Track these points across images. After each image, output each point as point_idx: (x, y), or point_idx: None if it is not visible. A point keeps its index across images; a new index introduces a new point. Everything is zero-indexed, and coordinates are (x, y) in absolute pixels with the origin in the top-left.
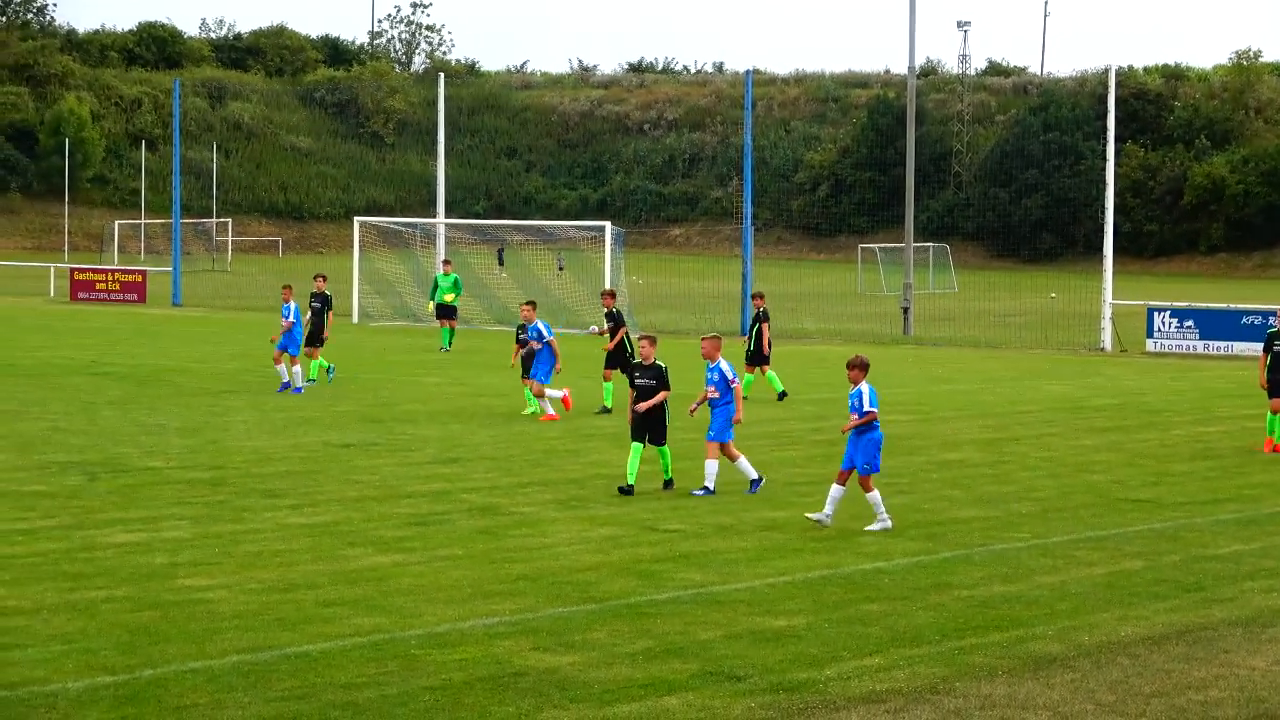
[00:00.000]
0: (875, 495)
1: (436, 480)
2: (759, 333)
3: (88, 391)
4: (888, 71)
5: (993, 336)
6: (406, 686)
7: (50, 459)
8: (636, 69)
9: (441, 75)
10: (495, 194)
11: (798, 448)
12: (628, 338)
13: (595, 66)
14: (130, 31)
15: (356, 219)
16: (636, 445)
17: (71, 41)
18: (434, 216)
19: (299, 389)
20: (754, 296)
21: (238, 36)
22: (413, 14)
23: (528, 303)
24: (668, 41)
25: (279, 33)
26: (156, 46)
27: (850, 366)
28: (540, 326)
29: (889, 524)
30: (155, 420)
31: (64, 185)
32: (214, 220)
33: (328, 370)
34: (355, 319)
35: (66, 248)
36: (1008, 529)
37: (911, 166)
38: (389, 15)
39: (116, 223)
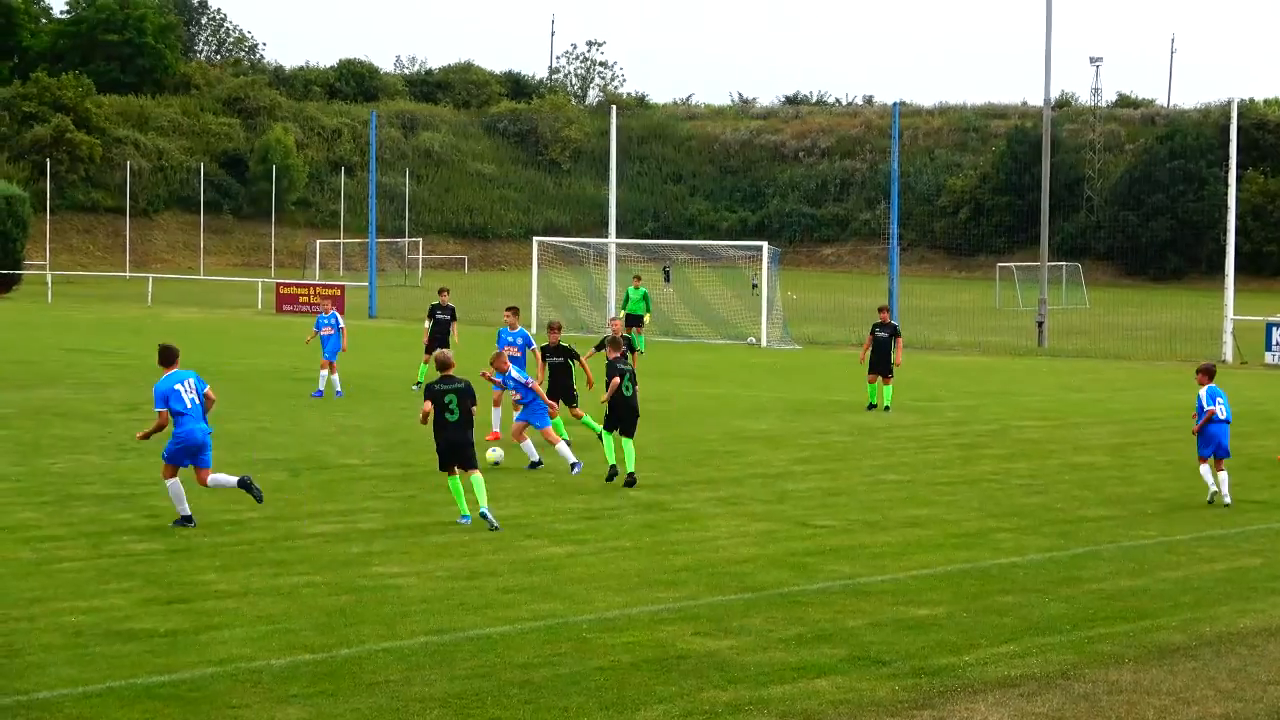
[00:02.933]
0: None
1: (606, 477)
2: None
3: (291, 395)
4: (1025, 103)
5: (1121, 349)
6: (579, 667)
7: (257, 456)
8: (792, 101)
9: (614, 107)
10: (662, 216)
11: (939, 450)
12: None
13: (754, 99)
14: (331, 68)
15: (535, 239)
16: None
17: (279, 77)
18: (606, 236)
19: (333, 393)
20: (880, 310)
21: (429, 72)
22: (588, 51)
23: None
24: (821, 76)
25: (466, 69)
26: (355, 81)
27: (1198, 372)
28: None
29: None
30: (352, 421)
31: (271, 208)
32: (406, 240)
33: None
34: (534, 329)
35: (273, 264)
36: (1134, 527)
37: (1046, 191)
38: (566, 52)
39: (318, 242)
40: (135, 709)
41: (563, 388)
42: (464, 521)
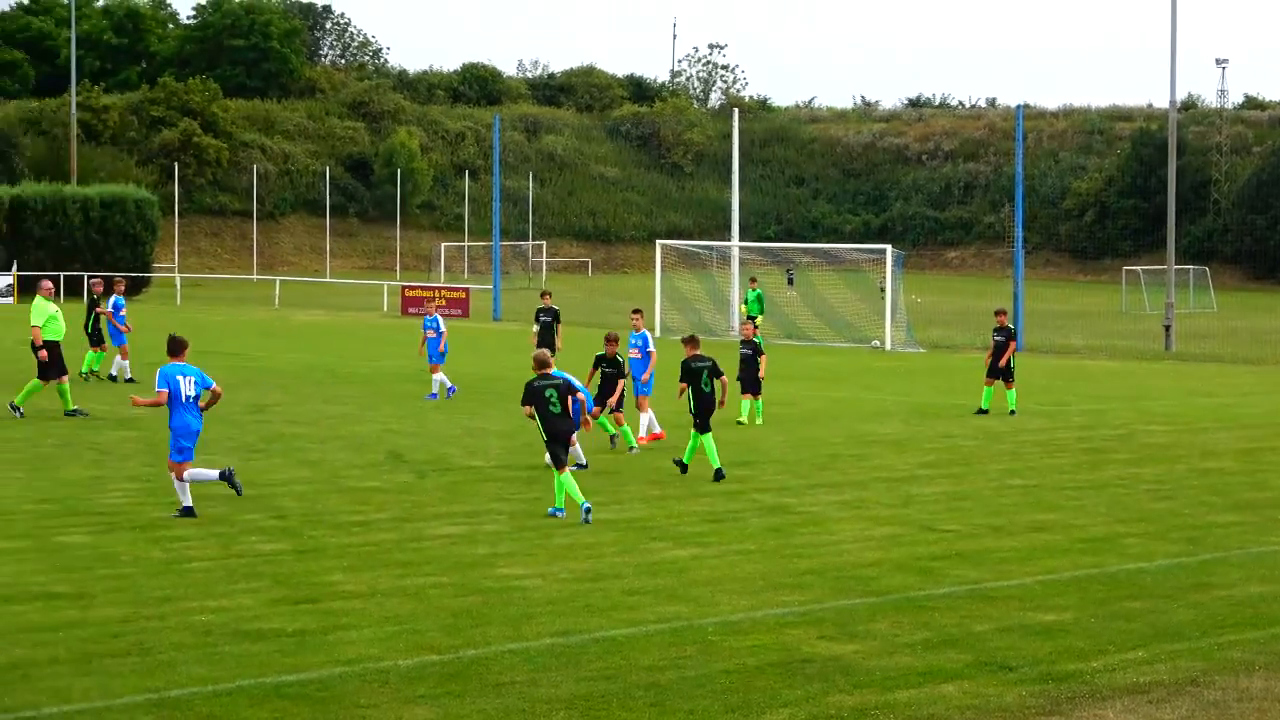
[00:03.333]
0: None
1: (731, 481)
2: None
3: (417, 397)
4: (1150, 106)
5: (1249, 353)
6: (704, 670)
7: (384, 458)
8: (915, 104)
9: (736, 111)
10: (785, 219)
11: (1066, 455)
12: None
13: (877, 102)
14: (455, 72)
15: (658, 241)
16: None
17: (403, 81)
18: (729, 240)
19: (433, 396)
20: (997, 314)
21: (552, 76)
22: (710, 55)
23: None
24: (944, 78)
25: (589, 72)
26: (479, 85)
27: None
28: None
29: None
30: (477, 423)
31: (396, 211)
32: (530, 243)
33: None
34: (658, 333)
35: (398, 267)
36: (1264, 533)
37: (1173, 194)
38: (688, 56)
39: (442, 245)
40: (264, 708)
41: (606, 394)
42: (556, 514)
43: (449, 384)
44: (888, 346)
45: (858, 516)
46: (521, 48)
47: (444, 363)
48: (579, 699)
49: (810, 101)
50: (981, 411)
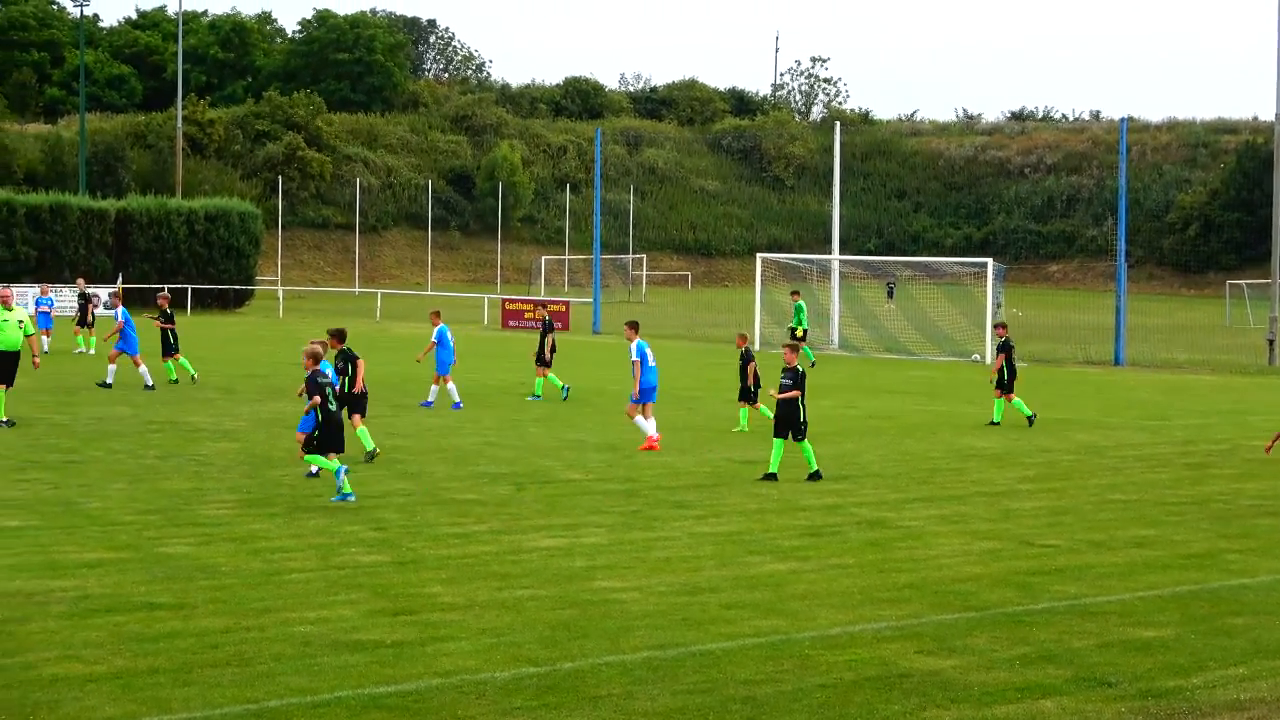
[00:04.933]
0: None
1: (829, 495)
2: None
3: (516, 410)
4: (1256, 119)
5: None
6: (801, 684)
7: (483, 470)
8: (1018, 117)
9: (838, 124)
10: (886, 232)
11: (1168, 470)
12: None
13: (980, 115)
14: (557, 86)
15: (759, 255)
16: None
17: (505, 95)
18: (830, 253)
19: (458, 404)
20: (996, 327)
21: (653, 89)
22: (812, 67)
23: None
24: (1047, 91)
25: (690, 85)
26: (580, 99)
27: None
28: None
29: None
30: (576, 436)
31: (497, 224)
32: (630, 256)
33: (561, 389)
34: (757, 347)
35: (499, 280)
36: None
37: (1278, 207)
38: (790, 69)
39: (543, 258)
40: (362, 719)
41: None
42: (347, 500)
43: (455, 396)
44: (988, 360)
45: (957, 531)
46: (623, 61)
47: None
48: (675, 712)
49: (912, 115)
50: (994, 424)
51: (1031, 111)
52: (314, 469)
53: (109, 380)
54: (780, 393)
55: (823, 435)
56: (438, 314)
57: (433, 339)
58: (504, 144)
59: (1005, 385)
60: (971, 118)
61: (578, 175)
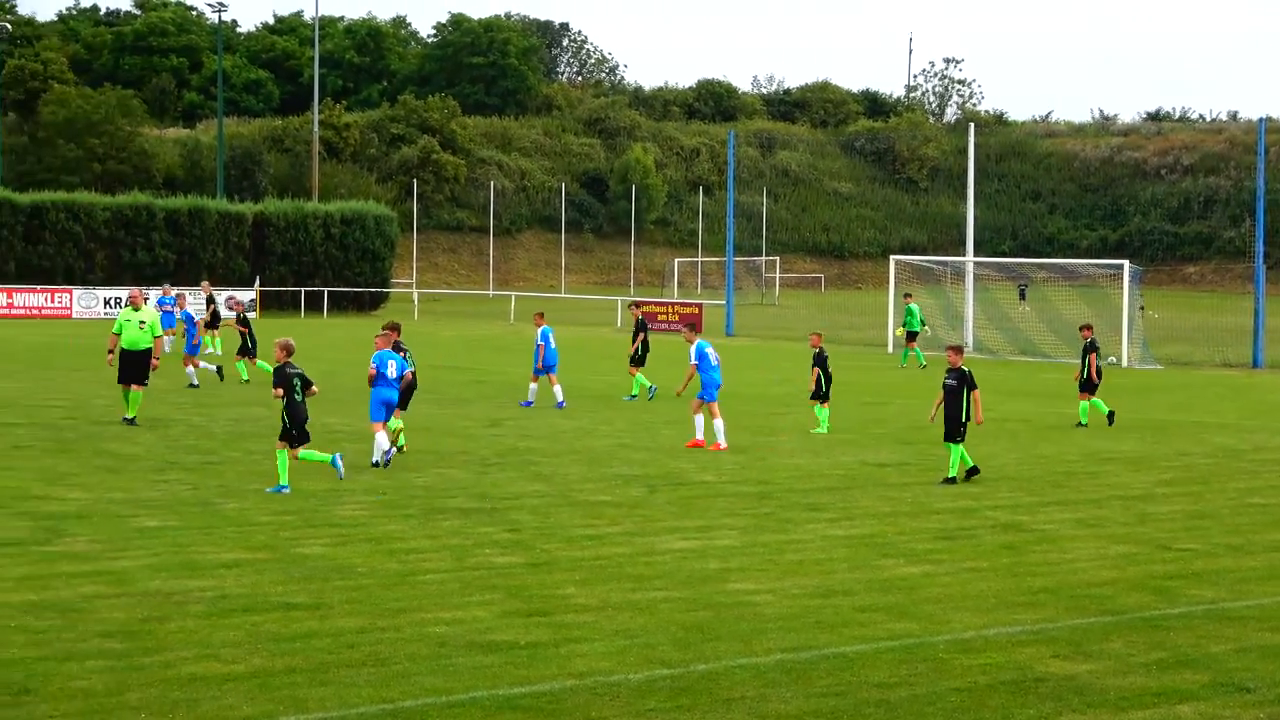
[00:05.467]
0: None
1: (964, 498)
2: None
3: (648, 412)
4: None
5: None
6: (935, 687)
7: (616, 472)
8: (1154, 117)
9: (972, 125)
10: (1020, 234)
11: None
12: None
13: (1115, 116)
14: (690, 88)
15: (892, 257)
16: (951, 446)
17: (638, 98)
18: (964, 255)
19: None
20: (1082, 329)
21: (786, 92)
22: (946, 69)
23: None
24: (1184, 92)
25: (823, 88)
26: (713, 101)
27: None
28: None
29: None
30: (709, 438)
31: (630, 226)
32: (763, 258)
33: (648, 389)
34: (890, 349)
35: (632, 282)
36: None
37: None
38: (924, 70)
39: (676, 260)
40: (498, 719)
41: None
42: (281, 490)
43: (559, 395)
44: (1124, 362)
45: (1093, 535)
46: (757, 64)
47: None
48: (808, 715)
49: (1047, 116)
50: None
51: (1168, 112)
52: (377, 459)
53: (195, 381)
54: (944, 393)
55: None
56: (541, 315)
57: (538, 340)
58: (637, 147)
59: (1088, 386)
60: (1107, 118)
61: (711, 178)
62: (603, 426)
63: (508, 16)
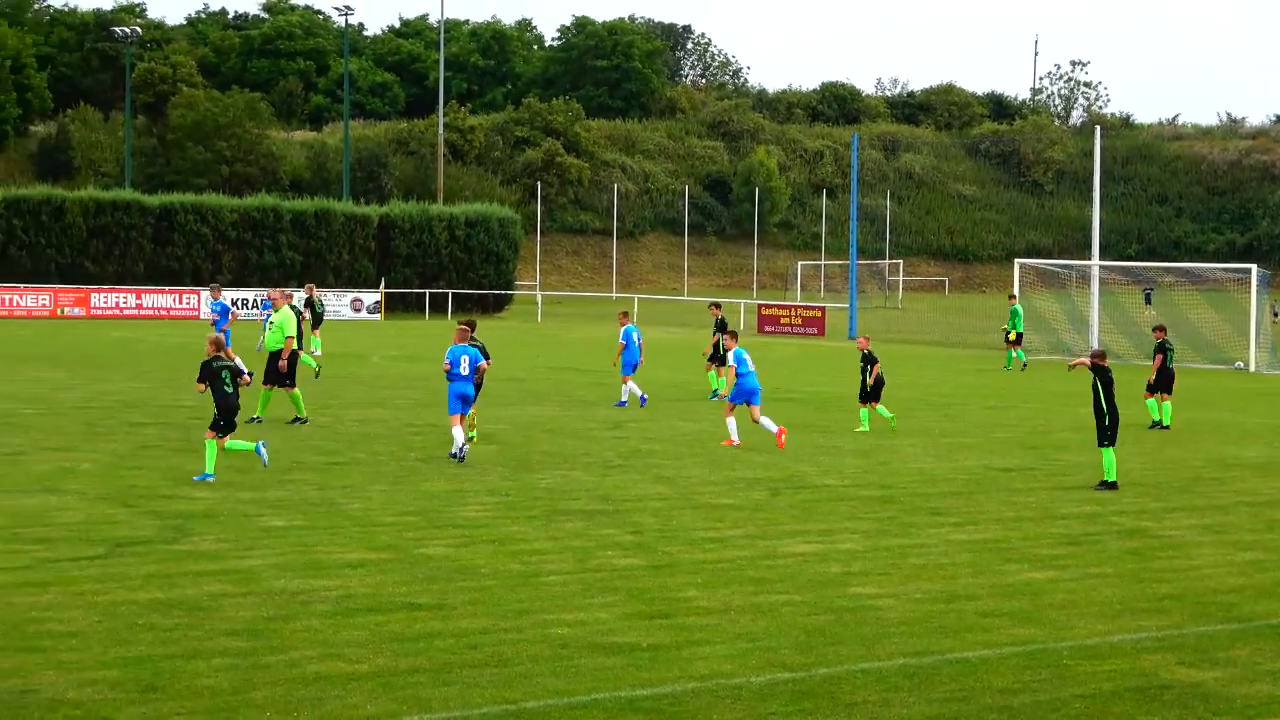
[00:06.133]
0: None
1: (1089, 504)
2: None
3: (772, 415)
4: None
5: None
6: (1058, 694)
7: (738, 475)
8: None
9: (1098, 128)
10: (1146, 237)
11: None
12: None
13: (1244, 118)
14: (813, 91)
15: (1016, 260)
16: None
17: (762, 100)
18: (1089, 258)
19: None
20: (1155, 330)
21: (910, 94)
22: (1072, 71)
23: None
24: None
25: (948, 90)
26: (837, 104)
27: None
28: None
29: None
30: (831, 442)
31: (753, 229)
32: (886, 261)
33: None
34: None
35: (754, 285)
36: None
37: None
38: (1050, 73)
39: (799, 263)
40: None
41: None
42: (206, 479)
43: (639, 392)
44: (1252, 368)
45: (1219, 541)
46: (881, 66)
47: (634, 373)
48: (931, 719)
49: (1174, 119)
50: (1156, 425)
51: None
52: (454, 451)
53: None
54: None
55: (1083, 443)
56: (625, 315)
57: (620, 340)
58: (760, 149)
59: (1156, 386)
60: (1235, 121)
61: (834, 180)
62: (724, 429)
63: (631, 20)
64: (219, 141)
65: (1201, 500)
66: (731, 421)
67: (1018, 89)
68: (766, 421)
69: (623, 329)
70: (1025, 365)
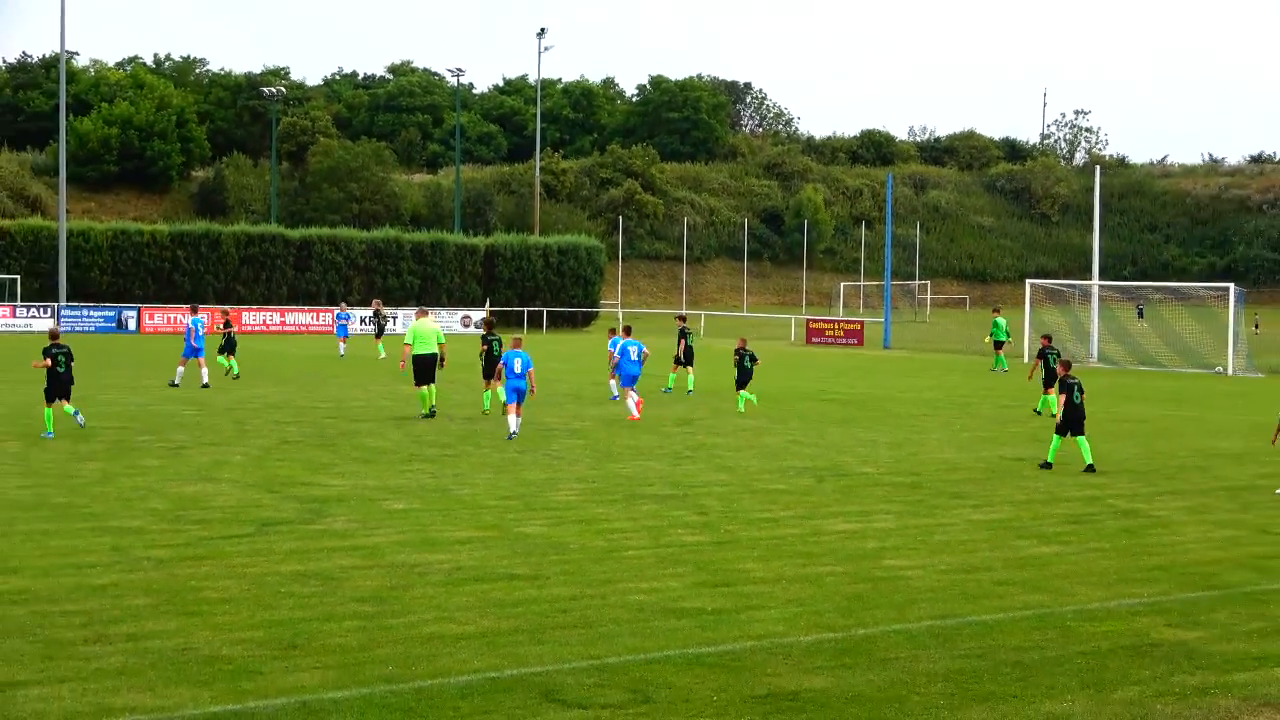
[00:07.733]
0: None
1: (1088, 488)
2: None
3: (818, 413)
4: None
5: None
6: (1063, 651)
7: (789, 465)
8: (1257, 160)
9: (1098, 168)
10: (1139, 261)
11: None
12: None
13: (1223, 158)
14: (854, 137)
15: (1028, 281)
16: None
17: (810, 145)
18: (1090, 279)
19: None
20: (1042, 337)
21: (937, 139)
22: (1075, 118)
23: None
24: None
25: (969, 135)
26: (874, 148)
27: None
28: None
29: None
30: (869, 436)
31: (803, 255)
32: (916, 282)
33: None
34: (1025, 359)
35: (803, 303)
36: None
37: None
38: (1056, 120)
39: (842, 284)
40: (688, 674)
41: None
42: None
43: (633, 405)
44: (1230, 372)
45: (1202, 520)
46: (912, 114)
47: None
48: (954, 673)
49: (1163, 159)
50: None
51: (1270, 154)
52: (512, 432)
53: (177, 381)
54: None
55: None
56: (622, 329)
57: (612, 350)
58: (809, 187)
59: (1049, 381)
60: (1216, 161)
61: (871, 214)
62: (777, 426)
63: (700, 78)
64: (350, 183)
65: (1186, 485)
66: (629, 400)
67: (1029, 134)
68: (631, 403)
69: (616, 340)
70: (1006, 370)
